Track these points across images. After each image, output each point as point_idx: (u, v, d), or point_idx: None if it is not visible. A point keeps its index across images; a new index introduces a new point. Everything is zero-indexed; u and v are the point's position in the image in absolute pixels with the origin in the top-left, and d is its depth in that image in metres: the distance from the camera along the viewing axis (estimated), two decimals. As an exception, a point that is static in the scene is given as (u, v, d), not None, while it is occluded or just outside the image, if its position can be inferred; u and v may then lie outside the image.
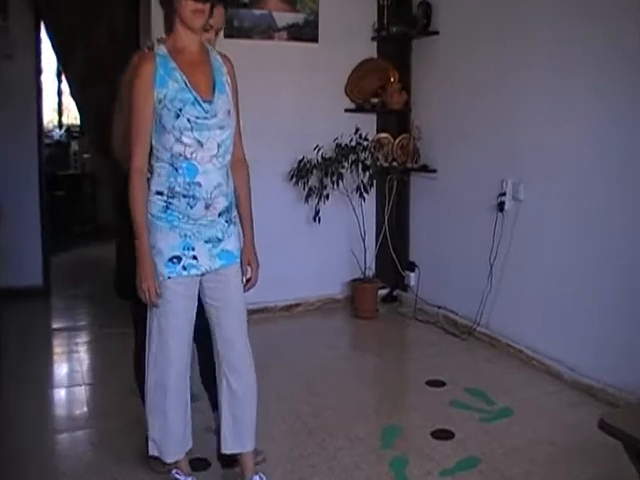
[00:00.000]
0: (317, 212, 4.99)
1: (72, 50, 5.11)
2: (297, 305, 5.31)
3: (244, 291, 2.70)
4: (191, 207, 2.46)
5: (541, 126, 4.11)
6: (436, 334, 4.81)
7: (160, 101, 2.40)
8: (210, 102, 2.46)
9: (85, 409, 3.67)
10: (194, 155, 2.44)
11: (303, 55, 5.12)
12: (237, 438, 2.72)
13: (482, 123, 4.61)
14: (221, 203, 2.52)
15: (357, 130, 4.98)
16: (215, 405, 2.84)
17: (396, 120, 5.39)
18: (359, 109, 5.30)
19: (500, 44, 4.41)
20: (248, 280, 2.75)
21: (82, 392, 3.89)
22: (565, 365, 3.96)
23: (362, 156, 4.96)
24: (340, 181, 4.88)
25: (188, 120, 2.41)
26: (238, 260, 2.66)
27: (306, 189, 4.93)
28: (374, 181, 5.12)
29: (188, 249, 2.50)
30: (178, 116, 2.40)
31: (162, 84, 2.41)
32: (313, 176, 4.92)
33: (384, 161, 5.24)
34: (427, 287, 5.21)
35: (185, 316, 2.58)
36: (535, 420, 3.50)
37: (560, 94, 3.95)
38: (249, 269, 2.74)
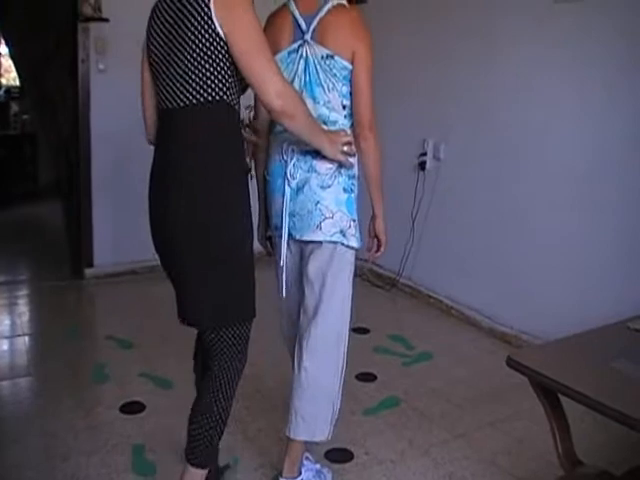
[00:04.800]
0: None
1: (9, 6, 4.91)
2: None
3: None
4: None
5: (466, 89, 4.14)
6: (362, 286, 4.76)
7: None
8: None
9: (25, 357, 3.69)
10: None
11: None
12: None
13: (410, 82, 4.56)
14: None
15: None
16: None
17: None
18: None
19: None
20: None
21: (22, 342, 3.90)
22: (483, 314, 4.10)
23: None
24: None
25: None
26: None
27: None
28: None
29: None
30: None
31: None
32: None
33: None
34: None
35: None
36: (453, 364, 3.65)
37: (486, 58, 3.97)
38: None
